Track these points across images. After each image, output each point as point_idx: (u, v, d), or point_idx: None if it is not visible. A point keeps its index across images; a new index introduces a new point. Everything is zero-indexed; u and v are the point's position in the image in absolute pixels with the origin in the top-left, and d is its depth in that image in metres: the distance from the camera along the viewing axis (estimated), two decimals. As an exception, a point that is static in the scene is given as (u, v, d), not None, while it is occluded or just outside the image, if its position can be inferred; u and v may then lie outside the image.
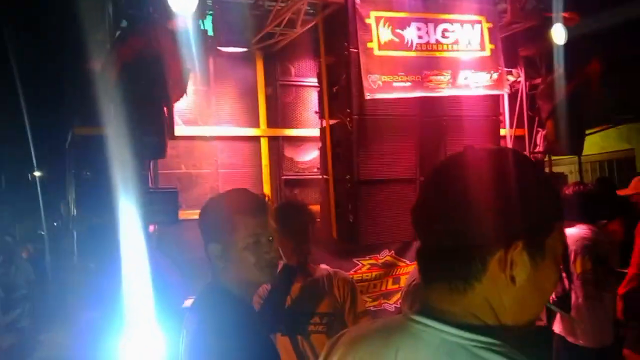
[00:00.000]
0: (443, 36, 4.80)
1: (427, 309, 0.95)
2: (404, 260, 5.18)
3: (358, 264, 5.10)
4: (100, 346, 3.94)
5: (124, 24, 4.65)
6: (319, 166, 5.37)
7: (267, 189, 5.50)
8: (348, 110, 4.48)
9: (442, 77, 4.72)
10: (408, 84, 4.57)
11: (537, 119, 6.32)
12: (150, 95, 4.22)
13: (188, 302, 4.43)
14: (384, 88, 4.46)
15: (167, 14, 4.42)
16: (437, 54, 4.76)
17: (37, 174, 9.84)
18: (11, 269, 6.91)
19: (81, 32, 5.10)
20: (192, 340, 1.55)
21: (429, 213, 0.96)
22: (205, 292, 1.73)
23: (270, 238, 1.69)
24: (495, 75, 5.00)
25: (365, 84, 4.36)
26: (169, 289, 3.90)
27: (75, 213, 5.44)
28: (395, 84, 4.52)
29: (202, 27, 4.76)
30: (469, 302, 0.92)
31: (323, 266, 2.85)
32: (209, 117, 5.44)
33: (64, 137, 5.82)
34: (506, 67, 5.39)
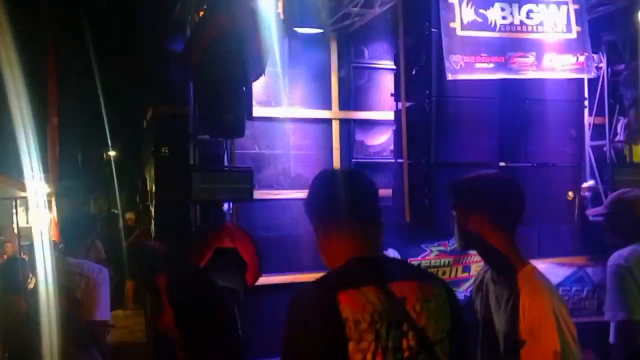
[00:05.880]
0: (528, 17, 4.64)
1: None
2: (476, 247, 5.09)
3: (426, 250, 5.05)
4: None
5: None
6: (391, 149, 5.32)
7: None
8: (427, 92, 4.41)
9: (526, 59, 4.57)
10: (491, 65, 4.45)
11: (618, 106, 6.03)
12: (232, 74, 4.25)
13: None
14: (466, 69, 4.36)
15: (248, -6, 4.44)
16: (522, 36, 4.62)
17: (112, 153, 10.18)
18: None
19: (162, 13, 5.22)
20: None
21: None
22: None
23: None
24: (581, 59, 4.80)
25: (447, 64, 4.28)
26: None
27: (153, 189, 5.60)
28: (477, 65, 4.41)
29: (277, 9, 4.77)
30: None
31: None
32: (282, 99, 5.47)
33: (142, 116, 6.00)
34: (588, 51, 5.16)
